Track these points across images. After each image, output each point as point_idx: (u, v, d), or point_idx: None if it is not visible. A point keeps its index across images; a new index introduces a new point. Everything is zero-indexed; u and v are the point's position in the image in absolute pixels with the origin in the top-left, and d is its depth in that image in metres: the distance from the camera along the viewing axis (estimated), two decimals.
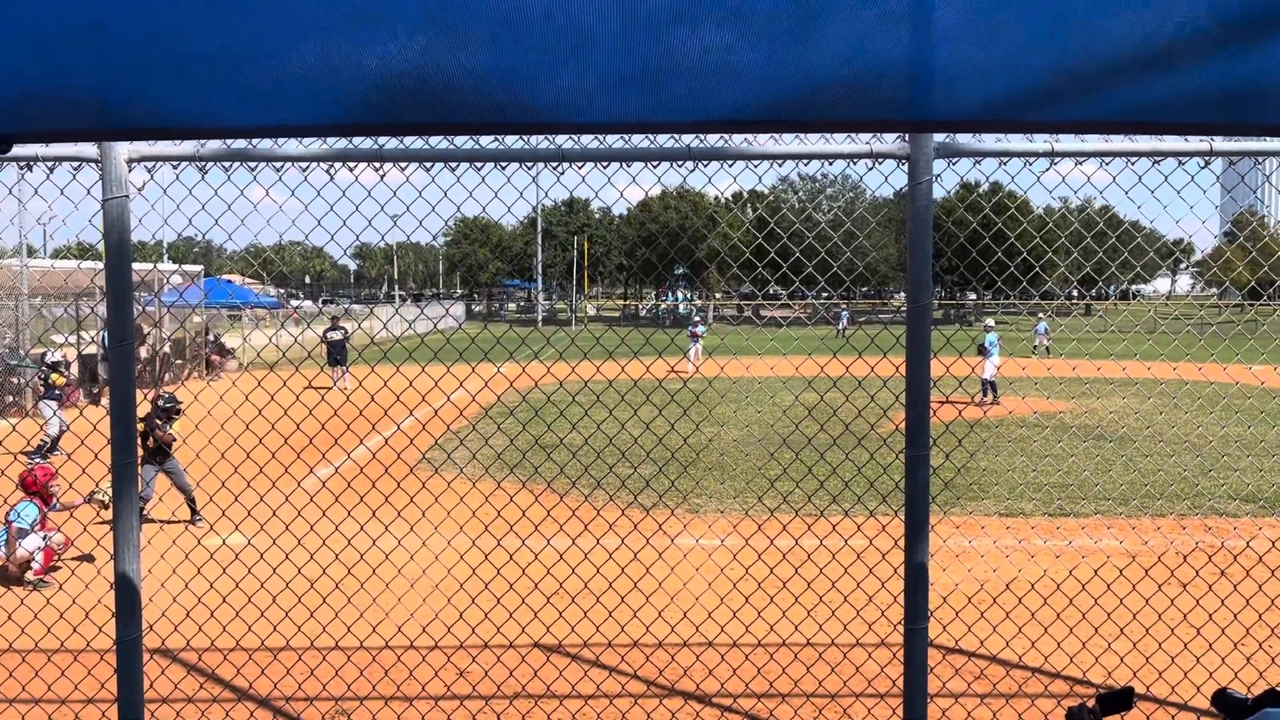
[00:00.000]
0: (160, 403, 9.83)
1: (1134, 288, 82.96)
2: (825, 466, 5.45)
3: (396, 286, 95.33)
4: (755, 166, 4.27)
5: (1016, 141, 4.21)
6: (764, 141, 4.27)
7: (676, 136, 4.26)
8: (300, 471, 6.45)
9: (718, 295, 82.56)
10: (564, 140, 4.08)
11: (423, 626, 6.41)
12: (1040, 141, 4.19)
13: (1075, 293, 62.74)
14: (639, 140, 4.14)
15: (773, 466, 6.27)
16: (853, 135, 4.22)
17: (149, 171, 4.04)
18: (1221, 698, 2.54)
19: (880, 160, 4.25)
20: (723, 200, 78.38)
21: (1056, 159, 4.24)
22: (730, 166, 4.27)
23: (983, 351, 20.10)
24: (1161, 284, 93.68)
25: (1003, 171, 4.36)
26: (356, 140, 3.86)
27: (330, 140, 3.92)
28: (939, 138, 4.13)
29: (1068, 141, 4.18)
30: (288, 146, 3.90)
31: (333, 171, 4.11)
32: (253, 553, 5.27)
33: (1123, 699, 2.86)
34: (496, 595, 5.63)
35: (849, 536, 5.33)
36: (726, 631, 5.96)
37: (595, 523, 6.63)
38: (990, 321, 23.31)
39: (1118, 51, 2.78)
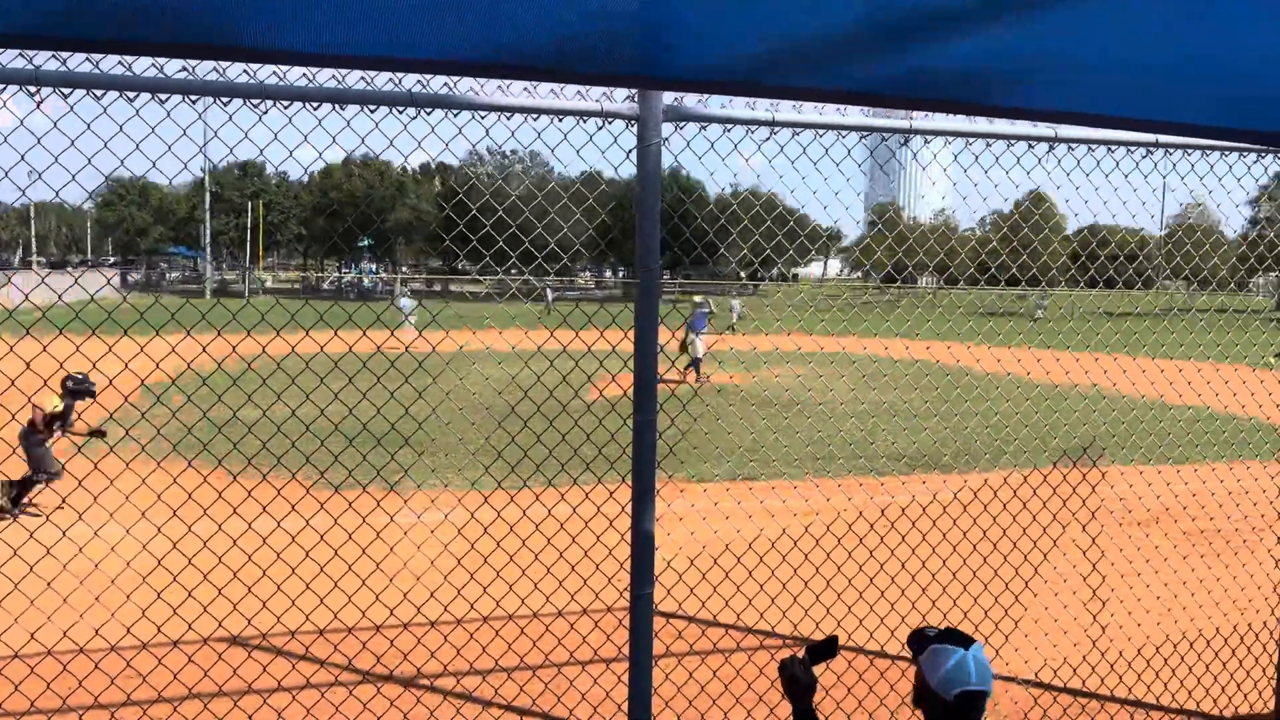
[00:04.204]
0: (70, 384, 9.51)
1: (793, 270, 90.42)
2: (554, 434, 5.31)
3: (35, 253, 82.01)
4: (483, 118, 3.99)
5: (740, 109, 4.23)
6: (490, 92, 4.01)
7: (397, 79, 3.90)
8: None
9: (404, 269, 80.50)
10: (268, 76, 3.59)
11: (95, 629, 5.61)
12: (762, 110, 4.25)
13: (744, 274, 67.62)
14: (354, 81, 3.74)
15: (500, 436, 6.09)
16: (583, 93, 4.08)
17: None
18: (916, 636, 2.68)
19: (610, 120, 4.13)
20: (410, 170, 76.24)
21: (777, 128, 4.32)
22: (455, 116, 3.97)
23: (693, 328, 21.17)
24: (816, 268, 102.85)
25: (726, 139, 4.37)
26: None
27: None
28: (668, 100, 4.07)
29: (787, 111, 4.26)
30: None
31: None
32: None
33: (828, 648, 2.96)
34: (187, 588, 5.01)
35: (577, 505, 5.24)
36: (450, 611, 5.70)
37: (304, 502, 6.10)
38: (699, 298, 24.49)
39: (851, 28, 2.80)
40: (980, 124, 4.15)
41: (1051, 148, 4.22)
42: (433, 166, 74.66)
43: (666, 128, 4.06)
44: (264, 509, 4.97)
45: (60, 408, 9.52)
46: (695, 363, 20.79)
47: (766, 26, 2.71)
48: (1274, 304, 58.43)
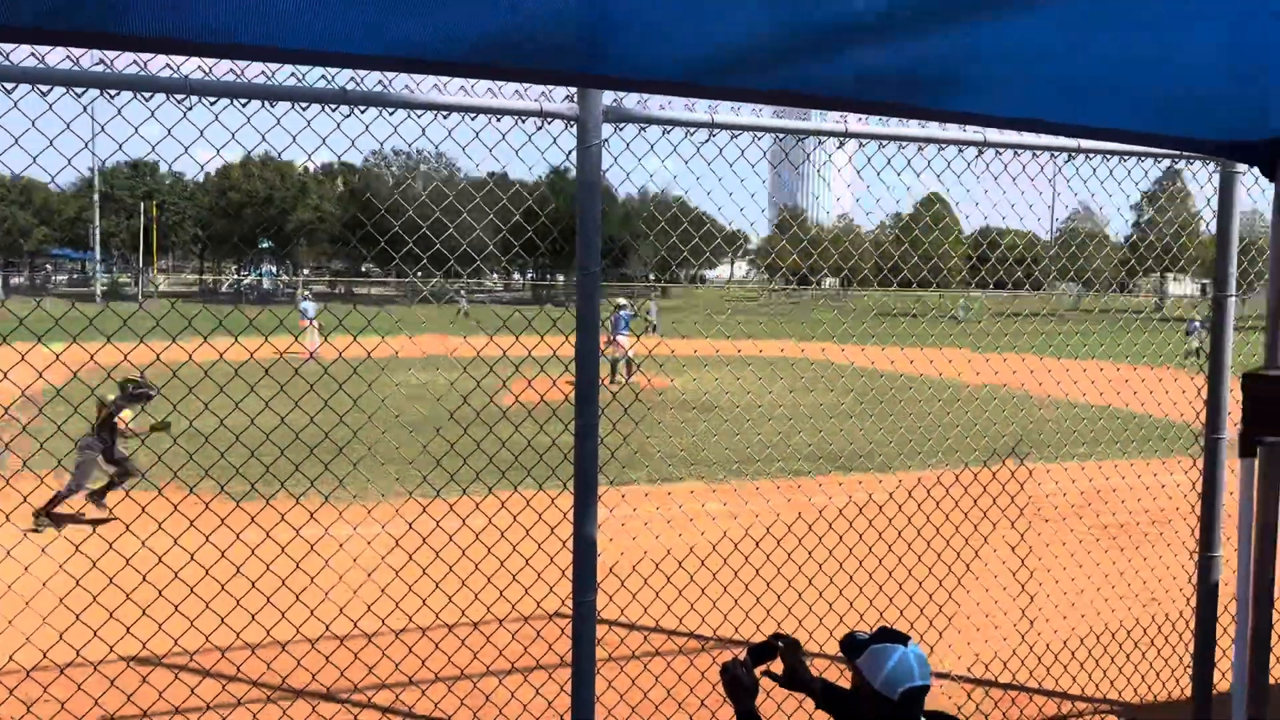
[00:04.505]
0: (130, 387, 9.39)
1: (702, 272, 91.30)
2: (494, 440, 5.24)
3: None
4: (418, 116, 3.93)
5: (679, 110, 4.24)
6: (428, 90, 3.96)
7: (329, 75, 3.81)
8: None
9: (305, 271, 78.84)
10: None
11: (10, 655, 5.35)
12: (701, 112, 4.27)
13: (652, 276, 68.06)
14: (284, 76, 3.65)
15: (439, 444, 5.98)
16: (521, 92, 4.05)
17: None
18: (849, 641, 2.69)
19: (549, 120, 4.11)
20: (312, 170, 74.58)
21: (715, 130, 4.34)
22: (391, 115, 3.90)
23: (615, 329, 21.40)
24: (724, 270, 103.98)
25: (665, 141, 4.38)
26: None
27: None
28: (607, 101, 4.06)
29: (725, 114, 4.29)
30: None
31: None
32: None
33: (769, 650, 2.98)
34: (108, 609, 4.80)
35: (518, 512, 5.17)
36: (387, 624, 5.57)
37: (234, 515, 5.91)
38: (622, 300, 24.60)
39: (787, 31, 2.85)
40: (912, 128, 4.23)
41: (980, 152, 4.32)
42: (336, 166, 73.09)
43: (606, 129, 4.05)
44: (191, 523, 4.80)
45: (110, 409, 9.36)
46: (614, 365, 21.01)
47: (706, 28, 2.74)
48: (1154, 305, 61.02)
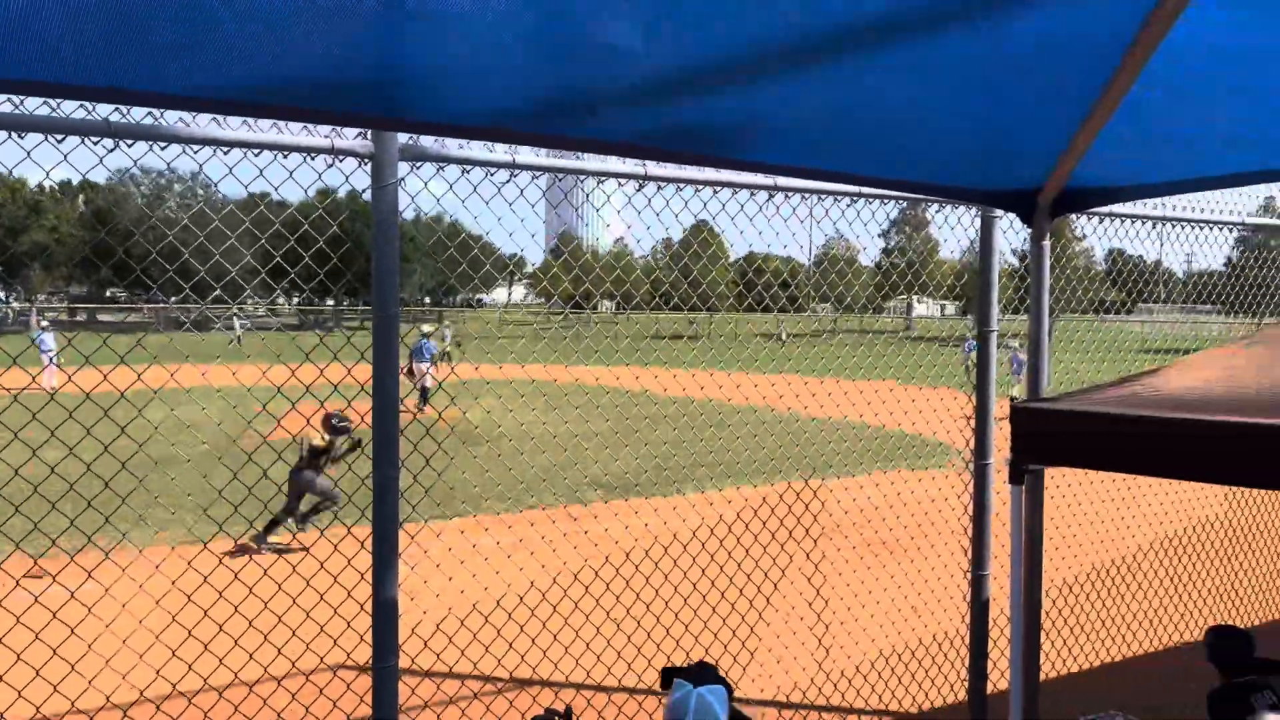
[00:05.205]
0: (334, 421, 10.22)
1: (476, 296, 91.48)
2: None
3: None
4: (195, 152, 3.64)
5: (479, 150, 4.17)
6: (205, 124, 3.67)
7: (90, 107, 3.46)
8: None
9: (40, 297, 72.08)
10: None
11: None
12: (501, 153, 4.21)
13: (427, 299, 67.45)
14: (35, 107, 3.28)
15: (235, 487, 5.53)
16: (309, 128, 3.84)
17: None
18: (665, 673, 2.75)
19: (341, 158, 3.92)
20: (49, 188, 68.54)
21: (516, 171, 4.31)
22: (164, 150, 3.59)
23: (420, 357, 20.93)
24: (500, 294, 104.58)
25: (465, 181, 4.29)
26: None
27: None
28: (404, 139, 3.93)
29: (527, 154, 4.26)
30: None
31: None
32: None
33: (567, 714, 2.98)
34: None
35: (325, 559, 4.82)
36: (179, 689, 5.05)
37: None
38: (426, 327, 24.10)
39: (586, 85, 2.89)
40: (708, 172, 4.37)
41: (771, 195, 4.52)
42: (75, 184, 66.86)
43: (403, 167, 3.92)
44: None
45: (325, 443, 10.15)
46: (424, 392, 20.53)
47: (508, 81, 2.73)
48: (904, 325, 66.69)
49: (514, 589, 6.46)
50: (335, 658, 5.40)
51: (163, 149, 3.58)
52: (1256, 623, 6.74)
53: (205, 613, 4.69)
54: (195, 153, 3.68)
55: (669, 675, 2.72)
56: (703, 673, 2.68)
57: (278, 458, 6.01)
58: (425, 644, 5.16)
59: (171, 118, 3.61)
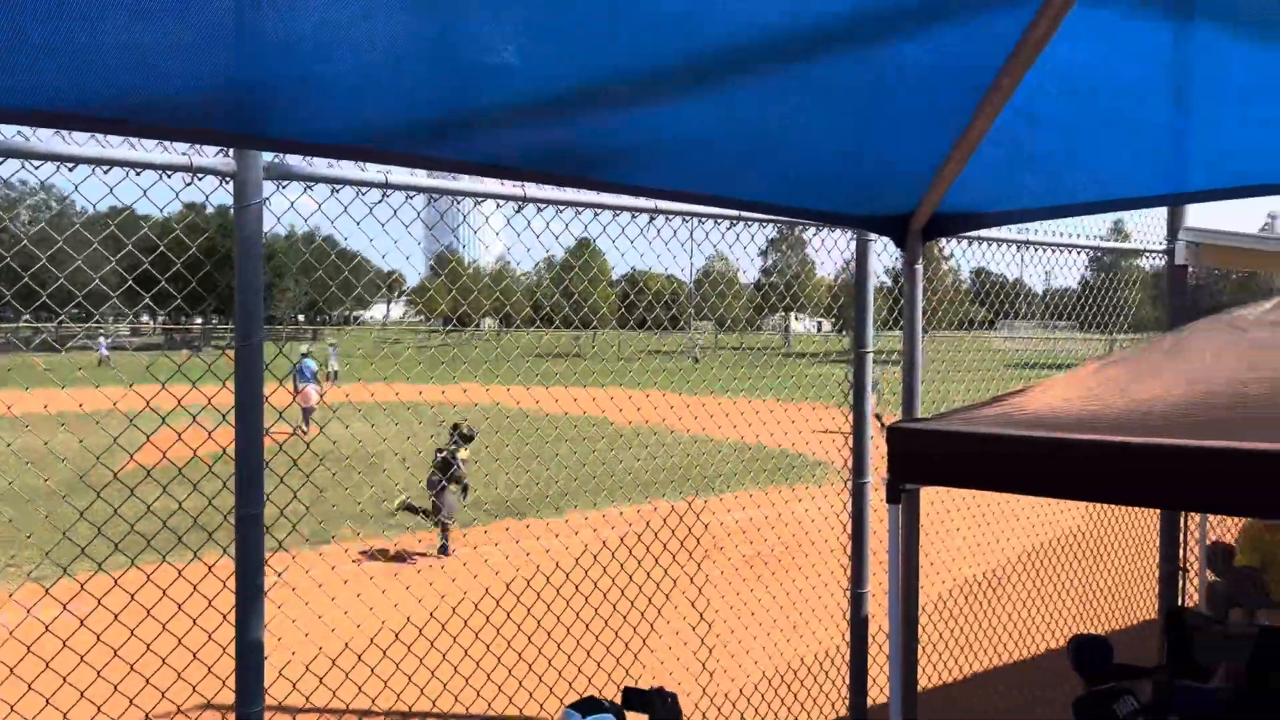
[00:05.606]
0: (466, 429, 11.24)
1: (354, 313, 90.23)
2: (167, 503, 4.59)
3: None
4: (36, 168, 3.38)
5: (350, 170, 4.02)
6: (48, 137, 3.42)
7: None
8: None
9: None
10: None
11: None
12: (374, 172, 4.07)
13: (300, 317, 66.01)
14: None
15: (97, 510, 5.10)
16: (165, 145, 3.62)
17: None
18: (628, 694, 2.75)
19: (200, 176, 3.71)
20: None
21: (389, 191, 4.17)
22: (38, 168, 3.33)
23: (302, 377, 20.71)
24: (379, 310, 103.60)
25: (335, 201, 4.13)
26: None
27: None
28: (269, 158, 3.75)
29: (401, 174, 4.13)
30: None
31: None
32: None
33: None
34: None
35: (184, 600, 4.51)
36: None
37: None
38: (305, 348, 23.56)
39: (469, 103, 2.82)
40: (590, 194, 4.33)
41: (652, 218, 4.51)
42: None
43: (268, 186, 3.74)
44: None
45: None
46: (306, 414, 20.29)
47: (380, 99, 2.64)
48: (782, 340, 68.59)
49: (389, 625, 6.22)
50: (195, 704, 5.08)
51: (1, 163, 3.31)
52: (1119, 627, 7.07)
53: (47, 664, 4.34)
54: (36, 168, 3.42)
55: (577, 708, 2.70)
56: (591, 704, 2.66)
57: (131, 490, 5.63)
58: (294, 685, 4.90)
59: (9, 130, 3.36)
